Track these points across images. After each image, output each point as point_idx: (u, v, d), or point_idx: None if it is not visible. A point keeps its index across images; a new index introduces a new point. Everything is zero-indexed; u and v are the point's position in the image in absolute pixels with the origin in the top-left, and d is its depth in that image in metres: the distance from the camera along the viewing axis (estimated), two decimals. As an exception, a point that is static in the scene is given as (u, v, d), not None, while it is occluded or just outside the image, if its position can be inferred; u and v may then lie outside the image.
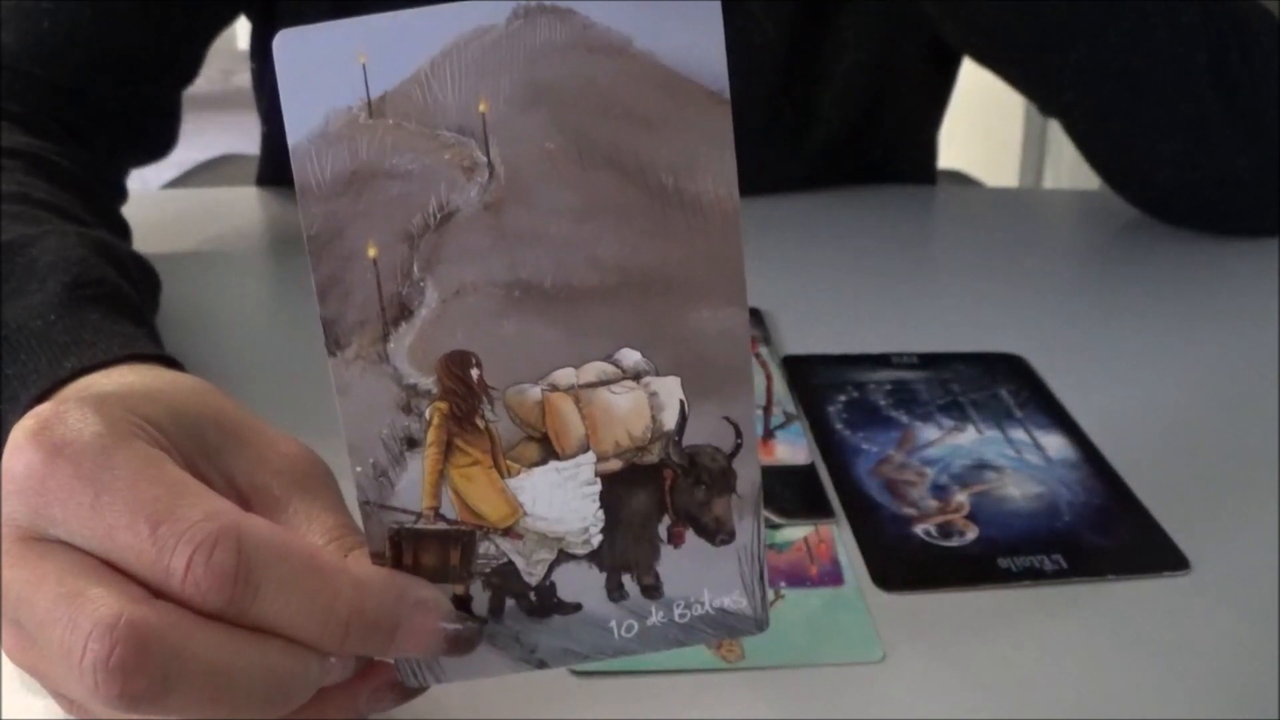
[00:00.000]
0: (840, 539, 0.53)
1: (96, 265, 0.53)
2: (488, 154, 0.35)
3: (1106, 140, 0.85)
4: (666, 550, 0.39)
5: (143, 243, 0.67)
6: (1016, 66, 0.84)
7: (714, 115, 0.36)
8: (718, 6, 0.35)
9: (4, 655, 0.39)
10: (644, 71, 0.35)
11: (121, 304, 0.52)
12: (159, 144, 0.79)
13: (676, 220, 0.36)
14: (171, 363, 0.48)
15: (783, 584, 0.50)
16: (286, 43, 0.34)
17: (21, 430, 0.37)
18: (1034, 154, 2.52)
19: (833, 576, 0.50)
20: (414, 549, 0.38)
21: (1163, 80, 0.78)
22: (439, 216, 0.36)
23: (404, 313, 0.36)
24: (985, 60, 0.84)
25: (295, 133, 0.35)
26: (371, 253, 0.36)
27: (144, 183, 0.85)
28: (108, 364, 0.45)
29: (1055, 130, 1.38)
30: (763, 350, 0.67)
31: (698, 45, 0.35)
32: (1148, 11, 0.77)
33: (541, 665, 0.40)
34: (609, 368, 0.37)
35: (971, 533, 0.53)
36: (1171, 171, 0.83)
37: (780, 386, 0.64)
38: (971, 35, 0.83)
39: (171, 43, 0.76)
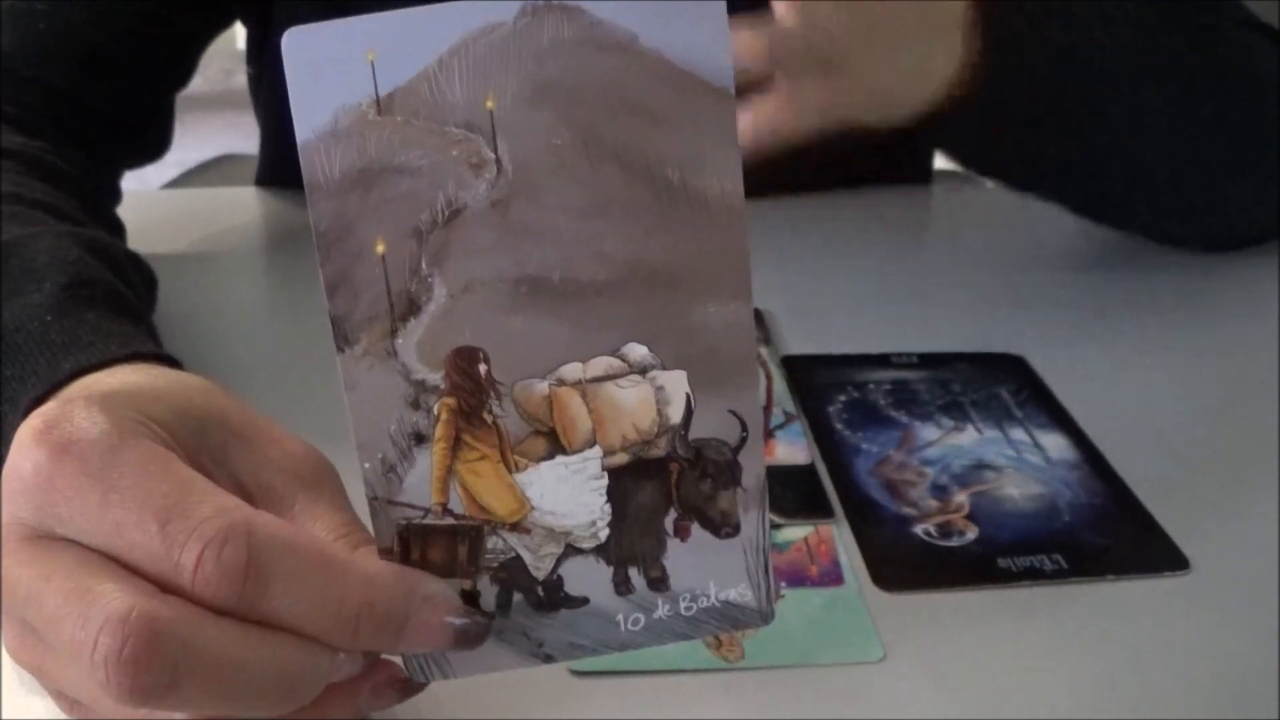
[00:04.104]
0: (840, 539, 0.53)
1: (93, 265, 0.53)
2: (495, 150, 0.36)
3: (1125, 225, 0.84)
4: (673, 544, 0.40)
5: (142, 243, 0.67)
6: (1048, 196, 0.82)
7: (720, 111, 0.36)
8: (722, 4, 0.36)
9: (5, 654, 0.39)
10: (650, 68, 0.36)
11: (119, 304, 0.52)
12: (153, 146, 0.79)
13: (683, 215, 0.37)
14: (172, 362, 0.48)
15: (783, 584, 0.50)
16: (295, 40, 0.34)
17: (28, 429, 0.37)
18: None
19: (833, 576, 0.50)
20: (422, 544, 0.38)
21: (1183, 176, 0.77)
22: (447, 213, 0.36)
23: (412, 309, 0.36)
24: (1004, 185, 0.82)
25: (304, 130, 0.35)
26: (380, 249, 0.36)
27: (144, 183, 0.85)
28: (107, 363, 0.45)
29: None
30: (763, 350, 0.67)
31: (703, 42, 0.36)
32: (1171, 133, 0.75)
33: (549, 659, 0.40)
34: (616, 362, 0.38)
35: (971, 533, 0.53)
36: (1183, 227, 0.82)
37: (780, 386, 0.64)
38: (999, 177, 0.81)
39: (166, 46, 0.77)
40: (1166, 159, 0.76)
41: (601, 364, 0.38)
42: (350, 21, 0.34)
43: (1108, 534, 0.53)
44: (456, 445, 0.38)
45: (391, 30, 0.34)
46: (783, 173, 0.91)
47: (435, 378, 0.37)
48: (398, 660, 0.40)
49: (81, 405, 0.38)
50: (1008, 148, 0.76)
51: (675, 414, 0.38)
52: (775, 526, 0.53)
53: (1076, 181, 0.79)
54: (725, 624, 0.41)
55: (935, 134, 0.75)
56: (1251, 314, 0.75)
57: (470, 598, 0.39)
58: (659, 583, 0.40)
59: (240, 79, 1.14)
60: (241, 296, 0.77)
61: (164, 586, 0.35)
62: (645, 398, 0.38)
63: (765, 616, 0.41)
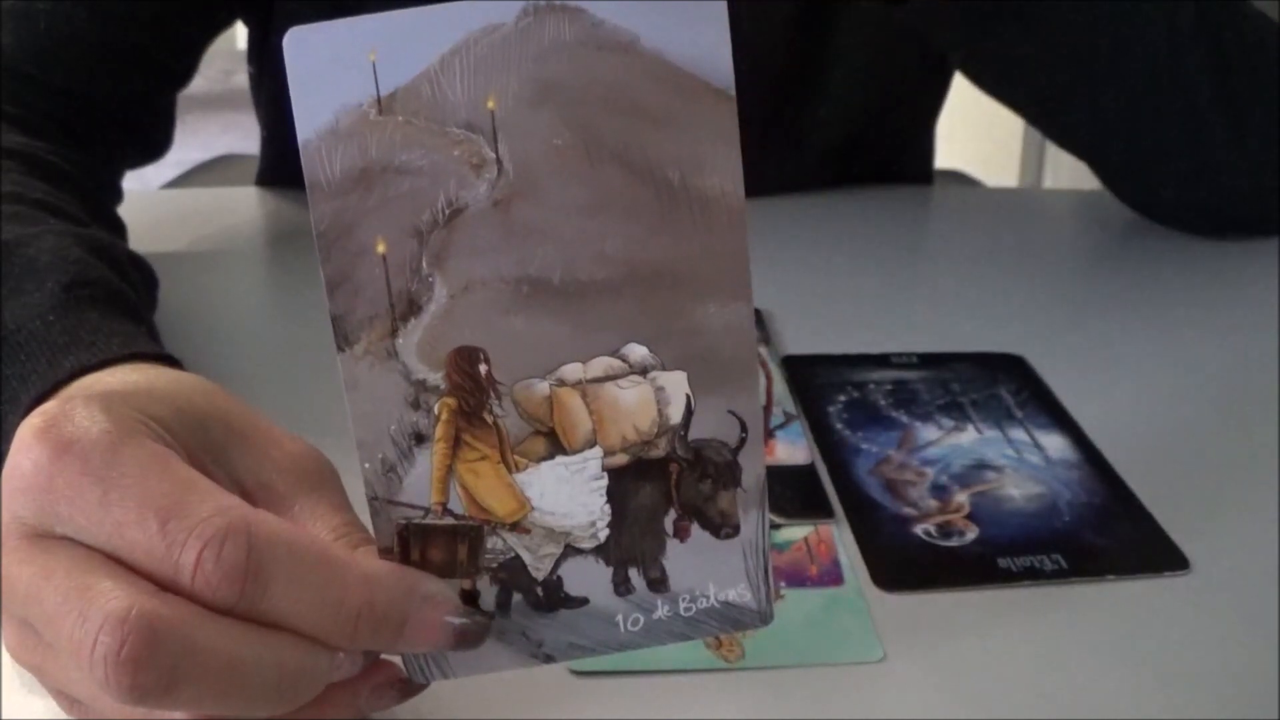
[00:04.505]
0: (840, 539, 0.53)
1: (94, 265, 0.53)
2: (496, 151, 0.36)
3: (1111, 162, 0.86)
4: (672, 544, 0.40)
5: (142, 243, 0.66)
6: (1030, 106, 0.86)
7: (720, 112, 0.36)
8: (723, 6, 0.36)
9: (6, 654, 0.39)
10: (651, 69, 0.36)
11: (119, 303, 0.52)
12: (154, 145, 0.79)
13: (683, 216, 0.37)
14: (172, 361, 0.48)
15: (782, 584, 0.50)
16: (297, 40, 0.34)
17: (28, 428, 0.37)
18: (1034, 154, 2.51)
19: (833, 576, 0.50)
20: (422, 544, 0.38)
21: (1168, 109, 0.79)
22: (448, 213, 0.36)
23: (413, 308, 0.36)
24: (992, 93, 0.85)
25: (305, 129, 0.35)
26: (380, 249, 0.36)
27: (144, 183, 0.85)
28: (108, 363, 0.45)
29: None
30: (763, 350, 0.67)
31: (704, 43, 0.36)
32: (1155, 52, 0.78)
33: (548, 659, 0.40)
34: (616, 362, 0.38)
35: (971, 533, 0.53)
36: (1175, 190, 0.84)
37: (780, 386, 0.64)
38: (986, 75, 0.84)
39: (167, 45, 0.77)
40: (1154, 95, 0.79)
41: (602, 364, 0.38)
42: (352, 21, 0.34)
43: (1108, 534, 0.53)
44: (457, 445, 0.38)
45: (393, 30, 0.35)
46: (783, 172, 0.92)
47: (436, 378, 0.37)
48: (398, 660, 0.40)
49: (82, 404, 0.38)
50: (989, 50, 0.80)
51: (675, 414, 0.38)
52: (775, 526, 0.53)
53: (1057, 102, 0.82)
54: (725, 624, 0.41)
55: (920, 14, 0.78)
56: (1252, 315, 0.75)
57: (470, 598, 0.39)
58: (658, 583, 0.40)
59: (240, 79, 1.14)
60: (241, 296, 0.77)
61: (164, 585, 0.35)
62: (645, 398, 0.38)
63: (764, 617, 0.41)
